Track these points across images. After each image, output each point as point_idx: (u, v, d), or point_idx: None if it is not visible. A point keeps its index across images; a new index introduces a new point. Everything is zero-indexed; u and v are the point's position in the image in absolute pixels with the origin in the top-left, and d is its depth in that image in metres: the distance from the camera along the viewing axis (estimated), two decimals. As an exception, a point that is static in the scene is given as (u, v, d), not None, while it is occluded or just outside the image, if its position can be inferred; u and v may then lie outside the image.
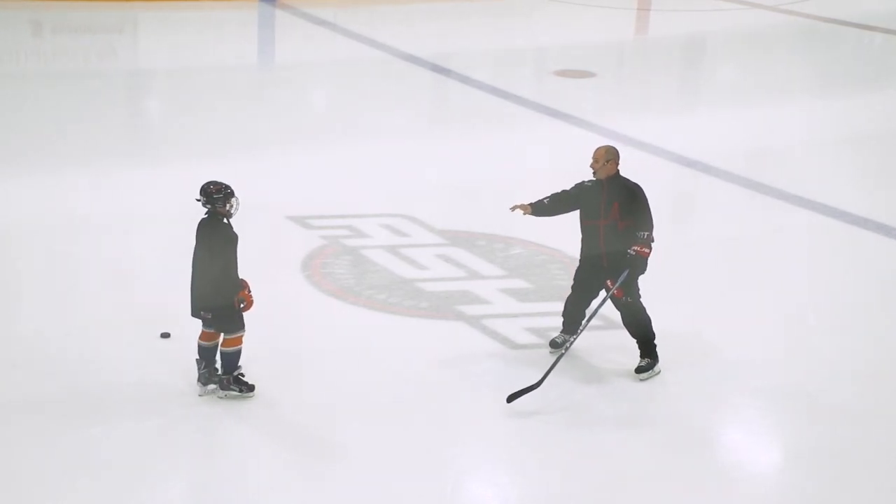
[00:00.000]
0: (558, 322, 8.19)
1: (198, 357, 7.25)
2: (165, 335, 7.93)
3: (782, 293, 9.49)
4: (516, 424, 7.15)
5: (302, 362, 7.81)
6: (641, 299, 7.73)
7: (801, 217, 11.44)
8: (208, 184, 7.06)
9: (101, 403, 7.11)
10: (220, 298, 7.04)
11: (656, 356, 7.82)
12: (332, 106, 16.02)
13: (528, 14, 23.44)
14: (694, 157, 13.18)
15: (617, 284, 7.58)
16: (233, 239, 7.03)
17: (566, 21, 22.43)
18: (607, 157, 7.61)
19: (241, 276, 7.09)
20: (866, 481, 6.82)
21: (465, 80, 16.92)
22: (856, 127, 15.38)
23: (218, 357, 7.23)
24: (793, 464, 7.09)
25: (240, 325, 7.16)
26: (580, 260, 7.91)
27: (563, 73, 17.48)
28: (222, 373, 7.20)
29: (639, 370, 7.77)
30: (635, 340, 7.83)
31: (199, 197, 7.02)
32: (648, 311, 7.76)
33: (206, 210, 7.06)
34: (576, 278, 7.98)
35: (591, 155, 7.64)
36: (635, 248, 7.54)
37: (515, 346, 8.25)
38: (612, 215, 7.57)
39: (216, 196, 6.99)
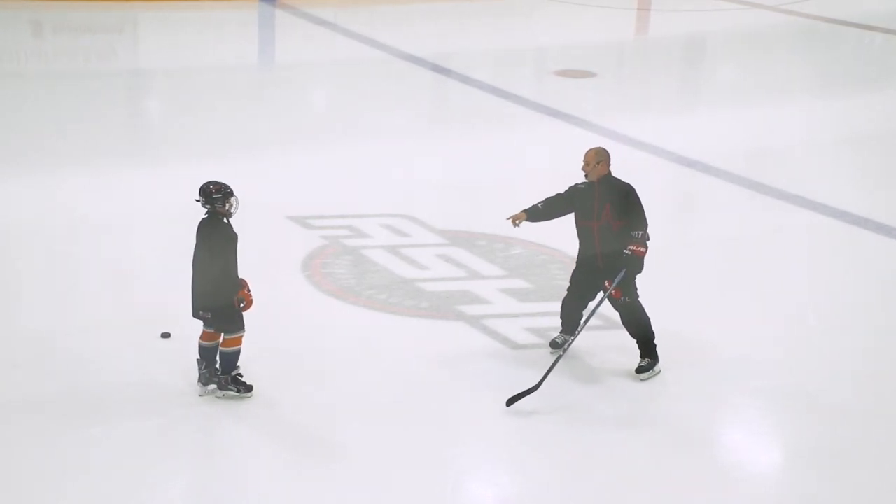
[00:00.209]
0: (558, 322, 8.19)
1: (198, 357, 7.25)
2: (166, 335, 7.93)
3: (782, 293, 9.49)
4: (516, 424, 7.15)
5: (302, 362, 7.81)
6: (640, 299, 7.73)
7: (802, 217, 11.44)
8: (207, 184, 7.06)
9: (102, 403, 7.11)
10: (220, 298, 7.04)
11: (656, 356, 7.82)
12: (333, 106, 16.03)
13: (529, 14, 23.44)
14: (694, 157, 13.19)
15: (614, 285, 7.58)
16: (233, 238, 7.03)
17: (566, 21, 22.43)
18: (598, 159, 7.64)
19: (241, 276, 7.09)
20: (866, 481, 6.82)
21: (466, 80, 16.92)
22: (856, 127, 15.37)
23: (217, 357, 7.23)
24: (793, 464, 7.09)
25: (239, 326, 7.16)
26: (577, 261, 7.92)
27: (564, 73, 17.49)
28: (220, 373, 7.20)
29: (639, 370, 7.78)
30: (635, 340, 7.83)
31: (198, 197, 7.02)
32: (649, 311, 7.76)
33: (205, 210, 7.06)
34: (572, 279, 7.99)
35: (582, 158, 7.67)
36: (631, 247, 7.55)
37: (516, 346, 8.25)
38: (606, 216, 7.58)
39: (215, 196, 6.99)
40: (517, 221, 7.89)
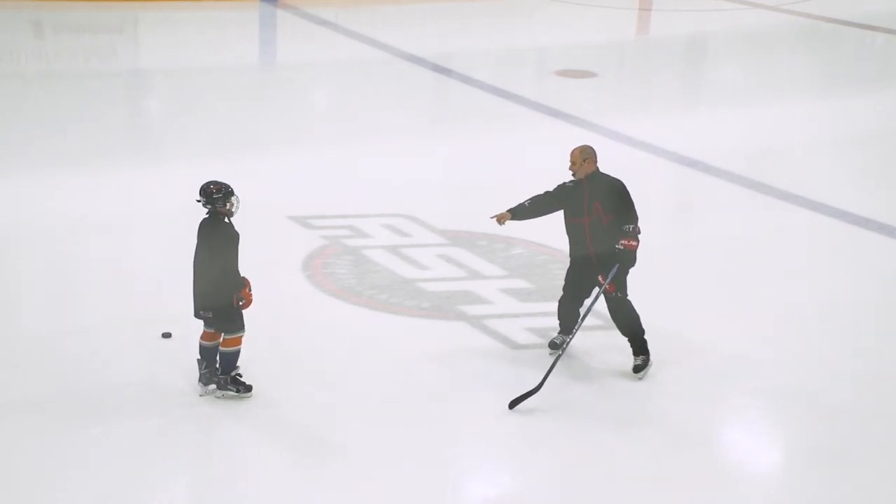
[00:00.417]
0: (557, 323, 8.19)
1: (199, 357, 7.25)
2: (166, 335, 7.93)
3: (783, 293, 9.48)
4: (517, 424, 7.15)
5: (303, 362, 7.81)
6: (629, 297, 7.72)
7: (802, 217, 11.44)
8: (208, 184, 7.06)
9: (102, 403, 7.11)
10: (221, 298, 7.04)
11: (648, 352, 7.82)
12: (334, 106, 16.03)
13: (530, 14, 23.44)
14: (695, 157, 13.18)
15: (608, 279, 7.58)
16: (234, 237, 7.03)
17: (567, 21, 22.43)
18: (583, 157, 7.67)
19: (242, 275, 7.09)
20: (866, 481, 6.82)
21: (467, 80, 16.92)
22: (857, 127, 15.37)
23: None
24: (793, 464, 7.09)
25: (240, 326, 7.16)
26: (570, 261, 7.92)
27: (565, 73, 17.48)
28: (220, 373, 7.20)
29: (636, 369, 7.78)
30: (626, 338, 7.82)
31: (199, 197, 7.02)
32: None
33: (206, 210, 7.06)
34: (566, 279, 7.99)
35: (568, 157, 7.67)
36: (623, 241, 7.56)
37: (516, 346, 8.24)
38: (596, 212, 7.60)
39: (216, 196, 6.99)
40: (502, 221, 7.90)
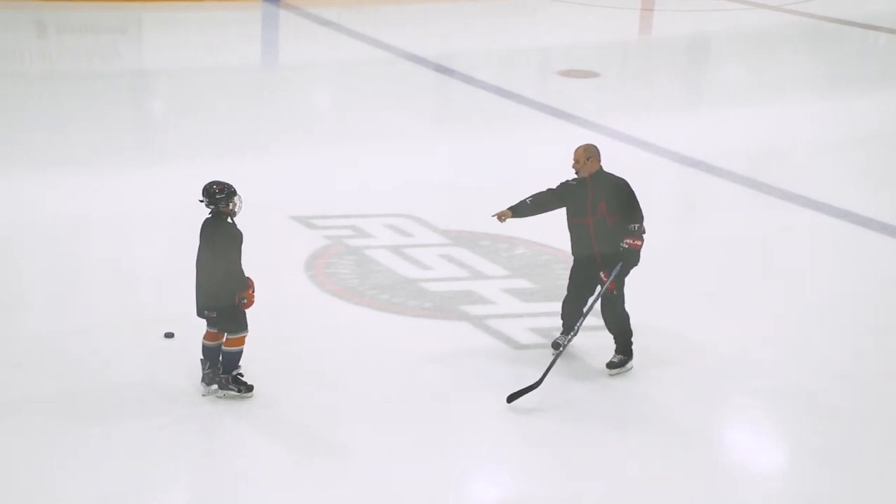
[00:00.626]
0: (561, 322, 8.20)
1: (202, 357, 7.26)
2: (169, 335, 7.94)
3: (784, 293, 9.48)
4: (519, 423, 7.16)
5: (305, 362, 7.81)
6: (626, 298, 7.72)
7: (805, 217, 11.43)
8: (210, 184, 7.06)
9: (104, 403, 7.12)
10: (224, 297, 7.05)
11: (631, 354, 7.84)
12: (336, 106, 16.04)
13: (532, 14, 23.44)
14: (697, 157, 13.18)
15: (611, 278, 7.58)
16: (237, 237, 7.03)
17: (570, 21, 22.43)
18: (587, 156, 7.65)
19: (247, 275, 7.11)
20: (869, 482, 6.82)
21: (469, 80, 16.92)
22: (860, 127, 15.36)
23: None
24: (794, 464, 7.09)
25: (243, 326, 7.17)
26: (573, 260, 7.92)
27: (567, 74, 17.49)
28: (221, 372, 7.21)
29: (610, 365, 7.79)
30: (612, 335, 7.83)
31: (201, 197, 7.03)
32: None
33: (209, 210, 7.07)
34: (570, 279, 7.99)
35: (572, 156, 7.66)
36: (628, 241, 7.55)
37: (519, 346, 8.25)
38: (600, 212, 7.59)
39: (219, 196, 7.00)
40: (503, 218, 7.88)
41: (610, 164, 7.85)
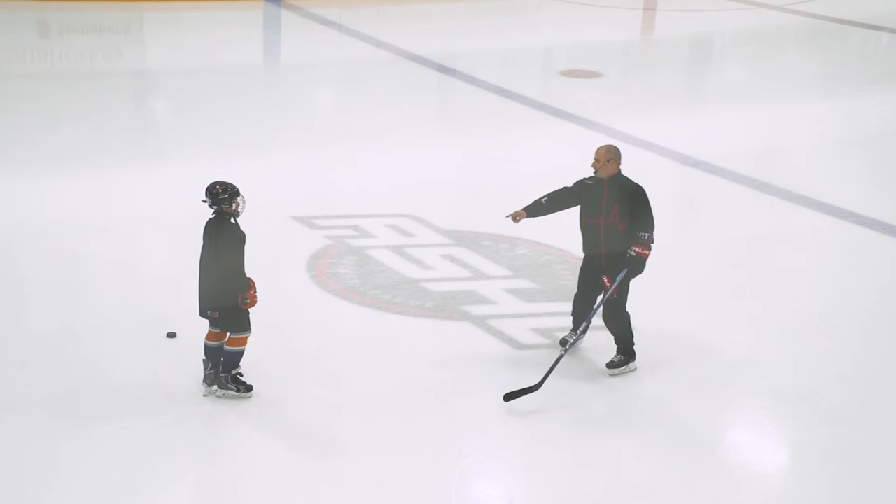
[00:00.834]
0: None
1: (204, 357, 7.26)
2: (171, 335, 7.94)
3: (788, 294, 9.48)
4: (521, 424, 7.16)
5: (307, 362, 7.81)
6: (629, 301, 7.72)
7: (808, 218, 11.43)
8: (214, 184, 7.06)
9: (107, 403, 7.12)
10: (227, 298, 7.04)
11: (633, 355, 7.83)
12: (338, 106, 16.04)
13: (534, 14, 23.45)
14: (700, 157, 13.18)
15: (615, 284, 7.57)
16: (240, 238, 7.03)
17: (572, 21, 22.44)
18: (608, 157, 7.59)
19: (247, 275, 7.10)
20: (871, 483, 6.81)
21: (471, 80, 16.93)
22: (862, 127, 15.36)
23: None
24: (797, 465, 7.07)
25: (246, 326, 7.17)
26: (584, 258, 7.90)
27: (569, 74, 17.49)
28: (221, 371, 7.21)
29: (610, 365, 7.78)
30: (613, 336, 7.82)
31: (205, 198, 7.03)
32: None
33: (212, 210, 7.07)
34: (580, 276, 7.97)
35: (593, 154, 7.63)
36: (636, 248, 7.53)
37: (521, 346, 8.24)
38: (613, 216, 7.56)
39: (222, 196, 7.00)
40: (518, 218, 7.85)
41: (611, 165, 7.84)
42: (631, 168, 7.78)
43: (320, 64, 18.24)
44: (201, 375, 7.27)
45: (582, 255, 7.90)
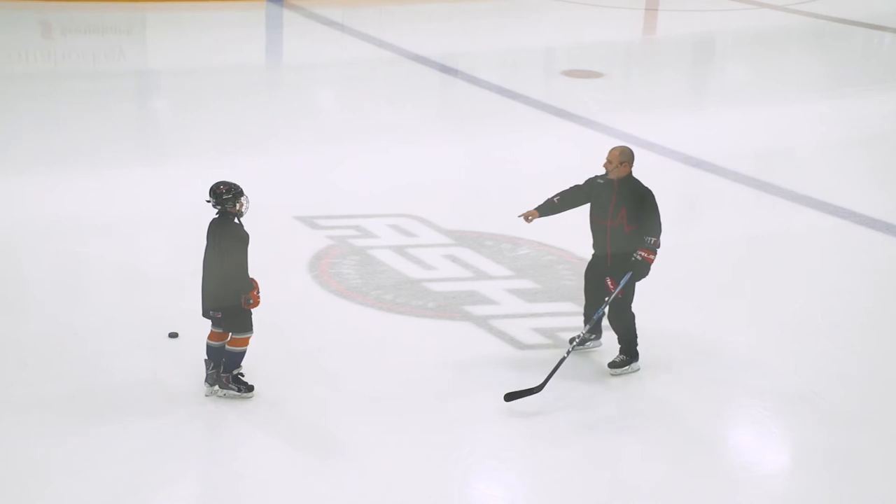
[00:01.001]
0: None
1: (206, 357, 7.26)
2: (173, 335, 7.94)
3: (790, 293, 9.47)
4: (523, 425, 7.15)
5: (309, 362, 7.81)
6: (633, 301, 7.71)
7: (810, 217, 11.42)
8: (217, 184, 7.06)
9: (108, 403, 7.12)
10: (230, 298, 7.04)
11: (636, 355, 7.81)
12: (340, 106, 16.04)
13: (536, 14, 23.44)
14: (702, 157, 13.17)
15: (619, 287, 7.56)
16: (244, 238, 7.03)
17: (574, 21, 22.44)
18: (621, 159, 7.55)
19: (250, 276, 7.10)
20: (871, 483, 6.81)
21: (473, 80, 16.92)
22: (865, 127, 15.34)
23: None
24: (798, 465, 7.07)
25: (248, 327, 7.16)
26: (592, 255, 7.88)
27: (571, 74, 17.48)
28: (223, 370, 7.21)
29: (612, 365, 7.78)
30: (616, 335, 7.81)
31: (208, 198, 7.03)
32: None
33: (216, 210, 7.06)
34: (585, 277, 7.95)
35: (606, 155, 7.61)
36: (642, 252, 7.52)
37: (523, 346, 8.24)
38: (620, 218, 7.54)
39: (225, 196, 7.00)
40: (530, 219, 7.81)
41: (612, 165, 7.83)
42: (633, 168, 7.77)
43: (322, 64, 18.25)
44: (202, 375, 7.27)
45: (585, 255, 7.89)
